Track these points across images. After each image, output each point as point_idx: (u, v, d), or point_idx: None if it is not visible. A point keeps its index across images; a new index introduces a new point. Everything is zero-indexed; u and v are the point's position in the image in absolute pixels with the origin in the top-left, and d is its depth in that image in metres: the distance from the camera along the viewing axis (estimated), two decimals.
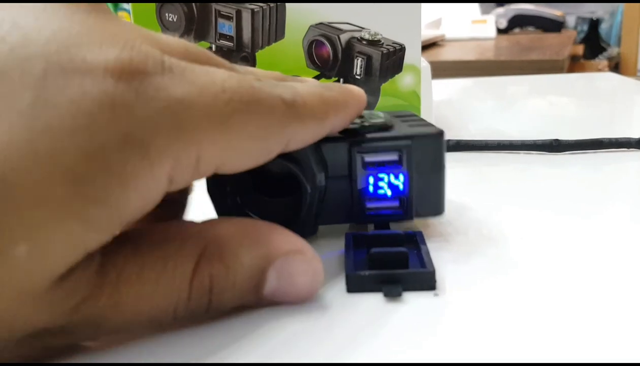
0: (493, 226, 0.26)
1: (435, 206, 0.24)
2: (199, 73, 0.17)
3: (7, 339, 0.15)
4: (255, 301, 0.19)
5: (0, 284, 0.14)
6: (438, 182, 0.24)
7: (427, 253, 0.22)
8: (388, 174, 0.24)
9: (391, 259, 0.20)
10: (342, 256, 0.23)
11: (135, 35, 0.17)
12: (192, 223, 0.19)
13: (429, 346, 0.17)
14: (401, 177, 0.24)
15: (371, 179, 0.24)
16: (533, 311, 0.19)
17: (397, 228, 0.24)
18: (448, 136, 0.39)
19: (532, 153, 0.37)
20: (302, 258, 0.19)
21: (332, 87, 0.22)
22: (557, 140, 0.37)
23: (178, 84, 0.16)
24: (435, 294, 0.20)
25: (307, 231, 0.23)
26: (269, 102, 0.18)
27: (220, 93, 0.17)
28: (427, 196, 0.24)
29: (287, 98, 0.19)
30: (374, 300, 0.20)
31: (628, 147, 0.37)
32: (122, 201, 0.15)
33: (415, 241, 0.23)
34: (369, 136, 0.23)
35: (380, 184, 0.24)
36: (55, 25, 0.16)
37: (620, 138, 0.37)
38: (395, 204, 0.24)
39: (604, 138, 0.37)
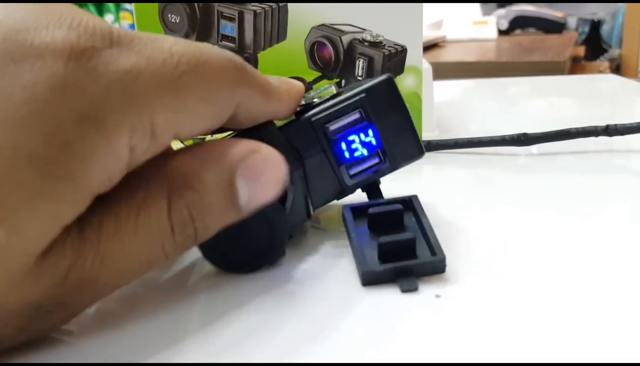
0: (487, 226, 0.26)
1: (413, 148, 0.25)
2: (147, 41, 0.18)
3: (6, 317, 0.16)
4: (237, 215, 0.20)
5: None
6: (406, 123, 0.24)
7: (431, 228, 0.22)
8: (357, 134, 0.24)
9: (400, 248, 0.21)
10: (342, 231, 0.24)
11: (82, 13, 0.17)
12: (149, 164, 0.19)
13: (428, 348, 0.17)
14: (370, 132, 0.24)
15: (344, 145, 0.24)
16: (534, 310, 0.19)
17: (387, 188, 0.25)
18: (449, 137, 0.39)
19: (502, 151, 0.37)
20: (258, 155, 0.19)
21: (273, 77, 0.22)
22: (524, 134, 0.37)
23: (126, 55, 0.17)
24: (437, 296, 0.20)
25: (298, 218, 0.24)
26: (218, 63, 0.19)
27: (168, 58, 0.18)
28: (401, 140, 0.24)
29: (237, 62, 0.20)
30: (389, 295, 0.20)
31: (596, 136, 0.36)
32: (87, 174, 0.16)
33: (413, 207, 0.24)
34: (324, 106, 0.24)
35: (354, 146, 0.24)
36: (0, 12, 0.16)
37: (587, 127, 0.37)
38: (375, 160, 0.24)
39: (570, 128, 0.37)
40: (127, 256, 0.17)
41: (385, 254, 0.21)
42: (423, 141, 0.37)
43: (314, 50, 0.36)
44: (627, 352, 0.17)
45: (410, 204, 0.24)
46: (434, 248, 0.21)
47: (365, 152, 0.24)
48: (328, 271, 0.22)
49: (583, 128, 0.37)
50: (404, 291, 0.20)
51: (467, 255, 0.23)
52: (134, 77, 0.17)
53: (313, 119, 0.23)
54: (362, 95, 0.24)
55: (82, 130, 0.16)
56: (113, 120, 0.16)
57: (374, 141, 0.24)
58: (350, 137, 0.24)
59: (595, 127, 0.36)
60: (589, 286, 0.21)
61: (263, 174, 0.20)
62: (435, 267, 0.21)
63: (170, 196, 0.18)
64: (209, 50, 0.19)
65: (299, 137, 0.23)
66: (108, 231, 0.17)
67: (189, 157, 0.19)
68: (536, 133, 0.37)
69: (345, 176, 0.24)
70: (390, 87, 0.24)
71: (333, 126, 0.24)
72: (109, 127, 0.16)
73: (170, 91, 0.17)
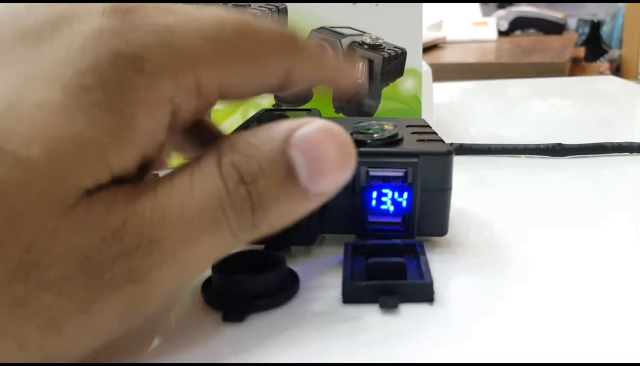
0: (497, 232, 0.26)
1: (439, 226, 0.24)
2: (187, 7, 0.18)
3: (58, 274, 0.14)
4: (301, 194, 0.17)
5: (22, 194, 0.14)
6: (443, 202, 0.23)
7: (426, 263, 0.21)
8: (392, 190, 0.23)
9: (389, 270, 0.20)
10: (340, 265, 0.22)
11: None
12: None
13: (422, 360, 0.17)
14: (405, 194, 0.23)
15: (374, 194, 0.23)
16: (535, 323, 0.19)
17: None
18: (449, 139, 0.39)
19: (534, 157, 0.37)
20: (312, 125, 0.17)
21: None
22: (560, 144, 0.37)
23: (165, 13, 0.17)
24: (431, 303, 0.20)
25: (306, 239, 0.23)
26: (266, 29, 0.19)
27: (210, 19, 0.17)
28: (431, 215, 0.23)
29: (286, 30, 0.19)
30: (369, 312, 0.19)
31: (630, 152, 0.37)
32: (127, 109, 0.16)
33: (415, 251, 0.22)
34: (376, 149, 0.23)
35: (384, 199, 0.23)
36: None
37: (623, 143, 0.37)
38: (398, 220, 0.24)
39: (606, 142, 0.37)
40: (187, 210, 0.16)
41: (373, 274, 0.20)
42: (454, 143, 0.37)
43: None
44: (628, 352, 0.17)
45: (413, 248, 0.23)
46: (423, 276, 0.20)
47: (391, 209, 0.23)
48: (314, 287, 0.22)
49: (619, 143, 0.37)
50: (382, 307, 0.19)
51: (471, 264, 0.23)
52: (174, 31, 0.17)
53: (359, 159, 0.23)
54: (415, 160, 0.23)
55: (119, 67, 0.16)
56: (153, 64, 0.16)
57: (404, 203, 0.23)
58: (384, 190, 0.23)
59: (631, 143, 0.37)
60: (594, 295, 0.20)
61: (322, 146, 0.17)
62: (422, 291, 0.20)
63: (220, 156, 0.17)
64: (255, 18, 0.19)
65: None
66: (164, 185, 0.16)
67: (237, 133, 0.18)
68: (572, 144, 0.37)
69: (363, 221, 0.23)
70: (445, 164, 0.23)
71: (374, 173, 0.23)
72: (148, 69, 0.16)
73: (215, 48, 0.17)
